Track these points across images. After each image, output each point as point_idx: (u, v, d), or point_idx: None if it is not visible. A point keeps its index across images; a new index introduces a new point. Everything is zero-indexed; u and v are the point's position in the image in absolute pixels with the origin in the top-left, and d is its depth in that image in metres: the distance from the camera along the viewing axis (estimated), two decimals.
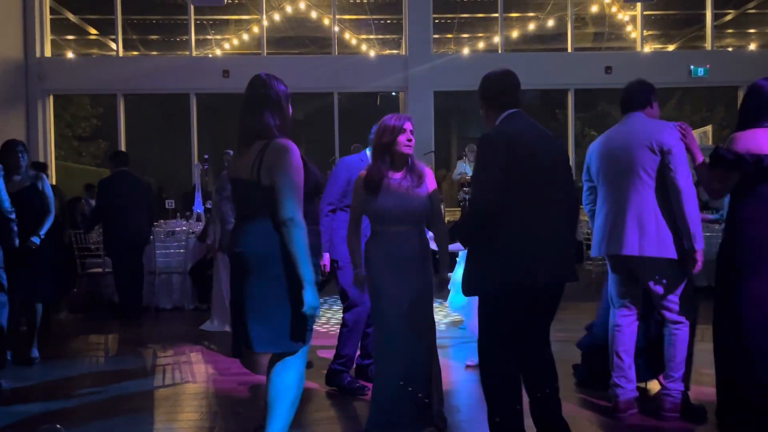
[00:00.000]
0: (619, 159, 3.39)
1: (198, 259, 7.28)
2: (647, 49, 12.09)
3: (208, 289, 7.06)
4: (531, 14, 12.39)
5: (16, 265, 4.48)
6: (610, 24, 12.50)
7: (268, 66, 11.32)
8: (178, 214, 8.89)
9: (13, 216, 4.45)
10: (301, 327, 2.61)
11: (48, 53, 11.21)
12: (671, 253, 3.26)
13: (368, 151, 3.91)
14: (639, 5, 11.57)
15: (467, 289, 2.87)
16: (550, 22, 12.19)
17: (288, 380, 2.67)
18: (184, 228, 7.76)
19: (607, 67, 11.28)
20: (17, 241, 4.52)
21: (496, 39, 11.78)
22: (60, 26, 11.80)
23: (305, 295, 2.53)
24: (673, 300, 3.36)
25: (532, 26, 12.35)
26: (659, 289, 3.36)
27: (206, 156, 9.92)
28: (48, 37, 11.23)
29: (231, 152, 5.92)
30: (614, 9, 12.19)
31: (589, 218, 3.73)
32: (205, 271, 7.09)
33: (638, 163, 3.30)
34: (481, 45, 12.46)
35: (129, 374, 4.73)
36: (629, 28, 12.24)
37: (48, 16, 11.21)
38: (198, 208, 8.51)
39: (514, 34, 12.24)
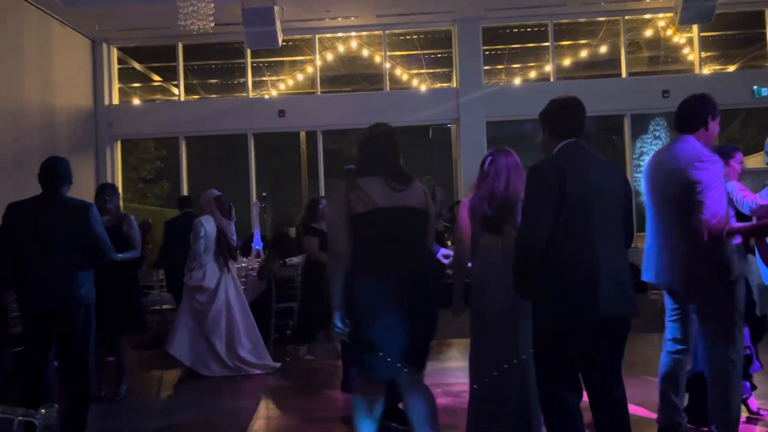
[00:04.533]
0: (658, 184, 3.29)
1: (257, 294, 7.41)
2: (706, 70, 11.77)
3: (267, 325, 7.17)
4: (583, 41, 12.28)
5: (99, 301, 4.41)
6: (665, 47, 12.25)
7: (321, 104, 11.62)
8: (239, 251, 9.09)
9: (111, 258, 4.21)
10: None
11: (116, 101, 11.83)
12: (675, 283, 3.22)
13: None
14: (695, 27, 11.32)
15: None
16: (603, 48, 12.05)
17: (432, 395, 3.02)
18: (243, 265, 7.93)
19: (664, 90, 11.02)
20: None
21: (548, 68, 11.72)
22: (126, 75, 12.45)
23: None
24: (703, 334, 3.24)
25: (584, 53, 12.23)
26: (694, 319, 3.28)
27: (264, 194, 10.17)
28: (116, 85, 11.86)
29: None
30: (669, 32, 11.96)
31: None
32: (265, 306, 7.21)
33: (671, 191, 3.19)
34: (532, 74, 12.42)
35: (191, 409, 4.81)
36: (686, 50, 11.96)
37: (116, 67, 11.86)
38: (257, 245, 8.70)
39: (566, 61, 12.14)
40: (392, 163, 3.03)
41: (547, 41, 11.59)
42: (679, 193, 3.13)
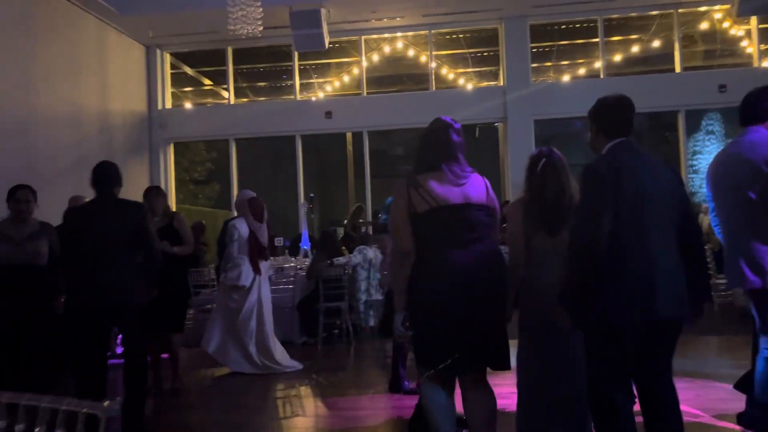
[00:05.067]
0: (729, 181, 3.18)
1: (305, 294, 7.51)
2: (766, 63, 11.31)
3: (315, 324, 7.26)
4: (634, 36, 11.98)
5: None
6: (722, 40, 11.83)
7: (367, 105, 11.68)
8: (287, 251, 9.24)
9: (161, 258, 4.26)
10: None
11: (168, 105, 12.18)
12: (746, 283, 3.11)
13: None
14: (754, 19, 10.89)
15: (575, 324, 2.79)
16: (656, 43, 11.72)
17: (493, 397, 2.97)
18: (292, 264, 8.05)
19: (720, 85, 10.65)
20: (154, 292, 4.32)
21: (598, 64, 11.47)
22: (178, 79, 12.80)
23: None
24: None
25: (635, 48, 11.92)
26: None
27: (311, 195, 10.30)
28: (168, 90, 12.20)
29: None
30: (726, 25, 11.54)
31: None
32: (313, 305, 7.30)
33: (747, 185, 3.07)
34: (581, 71, 12.18)
35: (241, 407, 4.91)
36: (744, 43, 11.52)
37: (168, 72, 12.21)
38: (305, 244, 8.81)
39: (617, 57, 11.87)
40: (452, 155, 2.97)
41: (597, 37, 11.36)
42: (758, 186, 3.02)
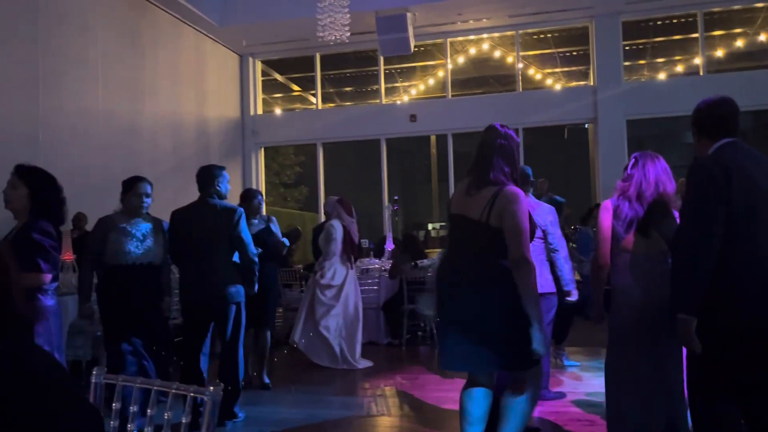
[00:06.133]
0: None
1: (390, 295, 7.58)
2: None
3: (399, 325, 7.32)
4: (738, 30, 11.29)
5: (247, 298, 4.50)
6: None
7: (452, 107, 11.66)
8: (372, 252, 9.35)
9: (257, 260, 4.39)
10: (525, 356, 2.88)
11: (260, 111, 12.65)
12: None
13: None
14: None
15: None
16: (763, 37, 10.99)
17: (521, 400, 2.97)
18: (377, 266, 8.15)
19: None
20: (256, 287, 4.47)
21: (697, 60, 10.90)
22: (269, 86, 13.27)
23: (533, 334, 2.75)
24: None
25: (739, 43, 11.23)
26: None
27: (396, 197, 10.38)
28: (260, 96, 12.68)
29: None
30: None
31: None
32: (398, 307, 7.36)
33: None
34: (678, 68, 11.60)
35: (326, 404, 5.03)
36: None
37: (260, 79, 12.70)
38: (389, 246, 8.89)
39: (718, 53, 11.22)
40: (478, 165, 3.05)
41: (696, 32, 10.79)
42: None
